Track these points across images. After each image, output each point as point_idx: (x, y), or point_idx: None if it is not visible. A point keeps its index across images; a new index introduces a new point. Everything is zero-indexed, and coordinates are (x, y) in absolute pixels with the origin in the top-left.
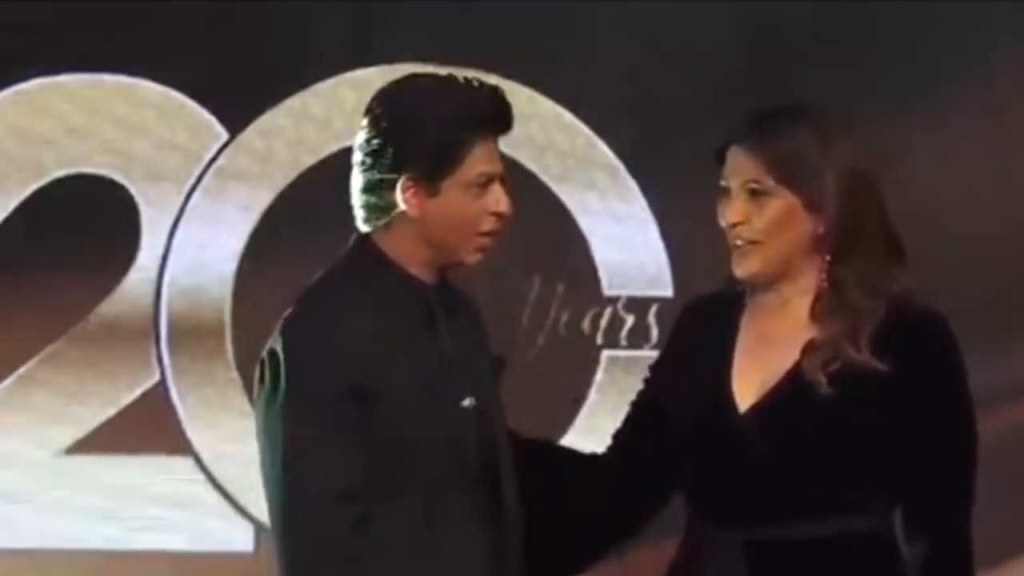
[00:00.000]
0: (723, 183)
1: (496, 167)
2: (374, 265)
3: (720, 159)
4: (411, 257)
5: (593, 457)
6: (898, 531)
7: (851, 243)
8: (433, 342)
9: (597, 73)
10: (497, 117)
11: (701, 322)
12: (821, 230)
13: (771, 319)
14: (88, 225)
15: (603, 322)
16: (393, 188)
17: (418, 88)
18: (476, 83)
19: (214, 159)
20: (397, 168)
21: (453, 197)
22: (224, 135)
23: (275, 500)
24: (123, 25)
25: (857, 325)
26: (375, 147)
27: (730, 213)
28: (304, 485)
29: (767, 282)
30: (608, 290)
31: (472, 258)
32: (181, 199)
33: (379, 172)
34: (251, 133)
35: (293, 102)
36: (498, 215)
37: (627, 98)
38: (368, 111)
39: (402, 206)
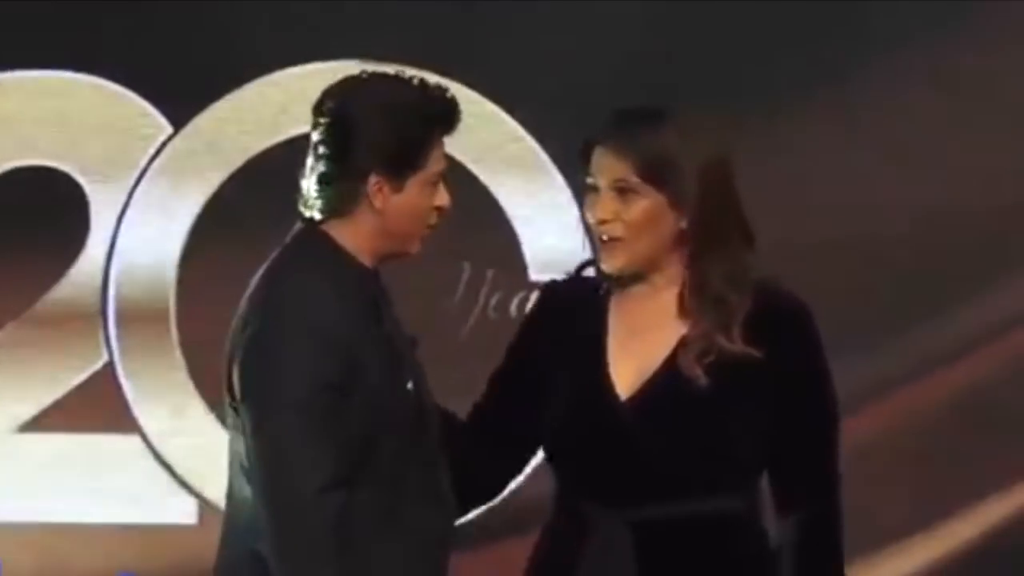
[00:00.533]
0: (589, 180)
1: (445, 165)
2: (329, 255)
3: (585, 157)
4: (364, 247)
5: (462, 424)
6: (768, 505)
7: (713, 238)
8: (380, 329)
9: (524, 67)
10: (453, 117)
11: (567, 307)
12: (684, 226)
13: (641, 309)
14: (39, 215)
15: (529, 305)
16: (359, 181)
17: (381, 86)
18: (428, 83)
19: (159, 151)
20: (365, 162)
21: (414, 193)
22: (168, 128)
23: (266, 491)
24: (70, 23)
25: (728, 318)
26: (339, 144)
27: (598, 210)
28: (295, 477)
29: (634, 275)
30: (534, 275)
31: (416, 248)
32: (128, 190)
33: (345, 165)
34: (194, 126)
35: (235, 96)
36: (441, 209)
37: (554, 91)
38: (328, 105)
39: (369, 199)
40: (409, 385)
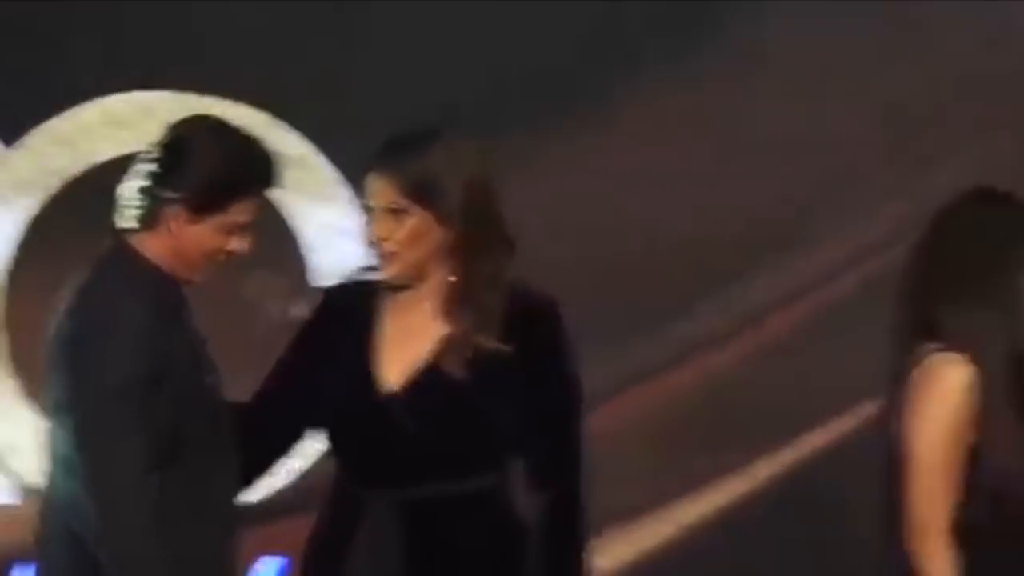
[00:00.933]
0: (366, 203)
1: (253, 217)
2: (137, 264)
3: (363, 182)
4: (161, 260)
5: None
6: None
7: (478, 248)
8: (182, 329)
9: (313, 90)
10: (269, 180)
11: (344, 308)
12: (452, 237)
13: (410, 311)
14: None
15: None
16: (163, 202)
17: (221, 133)
18: (262, 146)
19: None
20: (173, 188)
21: (208, 231)
22: (0, 146)
23: (89, 481)
24: None
25: (487, 317)
26: (163, 165)
27: (373, 230)
28: (116, 465)
29: (408, 283)
30: (318, 281)
31: (199, 279)
32: None
33: (158, 186)
34: (25, 145)
35: (64, 117)
36: (233, 254)
37: (341, 110)
38: (173, 130)
39: (167, 221)
40: (209, 379)
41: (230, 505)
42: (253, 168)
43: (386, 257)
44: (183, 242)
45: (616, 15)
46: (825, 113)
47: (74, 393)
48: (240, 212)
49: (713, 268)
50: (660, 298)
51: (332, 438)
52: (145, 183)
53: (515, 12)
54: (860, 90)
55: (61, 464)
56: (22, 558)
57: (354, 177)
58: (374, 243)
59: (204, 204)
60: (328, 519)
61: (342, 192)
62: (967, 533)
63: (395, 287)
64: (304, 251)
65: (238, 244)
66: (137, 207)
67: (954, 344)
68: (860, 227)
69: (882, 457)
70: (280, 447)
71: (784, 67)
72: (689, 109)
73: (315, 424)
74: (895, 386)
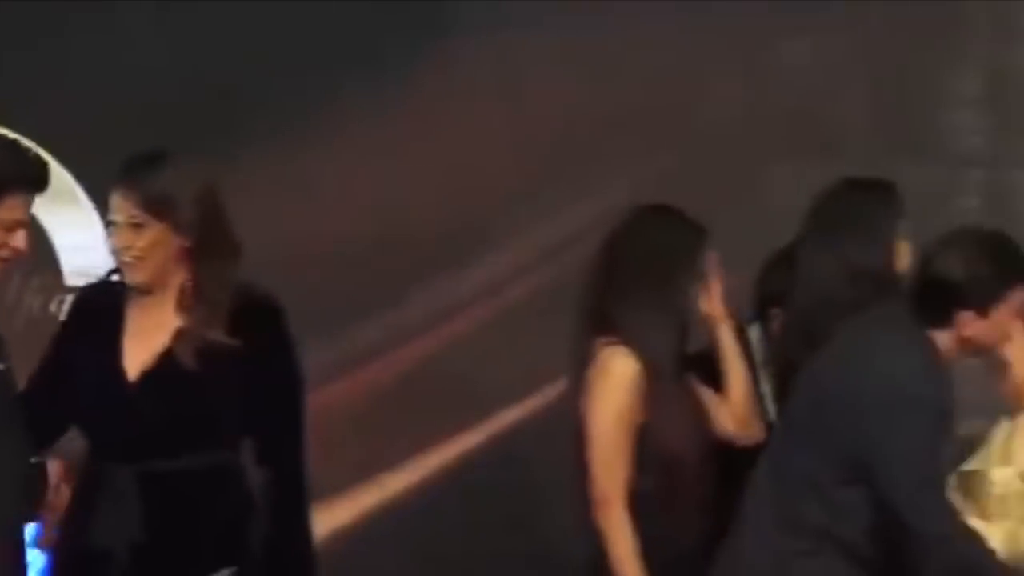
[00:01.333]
0: (110, 217)
1: (24, 217)
2: None
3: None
4: None
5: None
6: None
7: (208, 252)
8: None
9: (72, 113)
10: (32, 179)
11: (94, 308)
12: (188, 245)
13: (151, 310)
14: None
15: (66, 305)
16: None
17: None
18: (26, 149)
19: None
20: None
21: None
22: None
23: None
24: None
25: (215, 313)
26: None
27: (115, 241)
28: None
29: (150, 286)
30: (69, 280)
31: None
32: None
33: None
34: None
35: None
36: (7, 247)
37: (89, 128)
38: None
39: None
40: (1, 366)
41: (19, 471)
42: (12, 168)
43: (128, 265)
44: None
45: (323, 23)
46: (521, 116)
47: None
48: (9, 211)
49: (420, 262)
50: (370, 292)
51: (82, 422)
52: None
53: (231, 22)
54: (556, 94)
55: None
56: None
57: (97, 189)
58: (118, 252)
59: None
60: (79, 493)
61: (87, 203)
62: (641, 501)
63: (140, 290)
64: (58, 254)
65: (18, 240)
66: None
67: (624, 338)
68: (552, 225)
69: (569, 434)
70: (46, 440)
71: (485, 71)
72: (394, 112)
73: (75, 415)
74: (577, 371)
